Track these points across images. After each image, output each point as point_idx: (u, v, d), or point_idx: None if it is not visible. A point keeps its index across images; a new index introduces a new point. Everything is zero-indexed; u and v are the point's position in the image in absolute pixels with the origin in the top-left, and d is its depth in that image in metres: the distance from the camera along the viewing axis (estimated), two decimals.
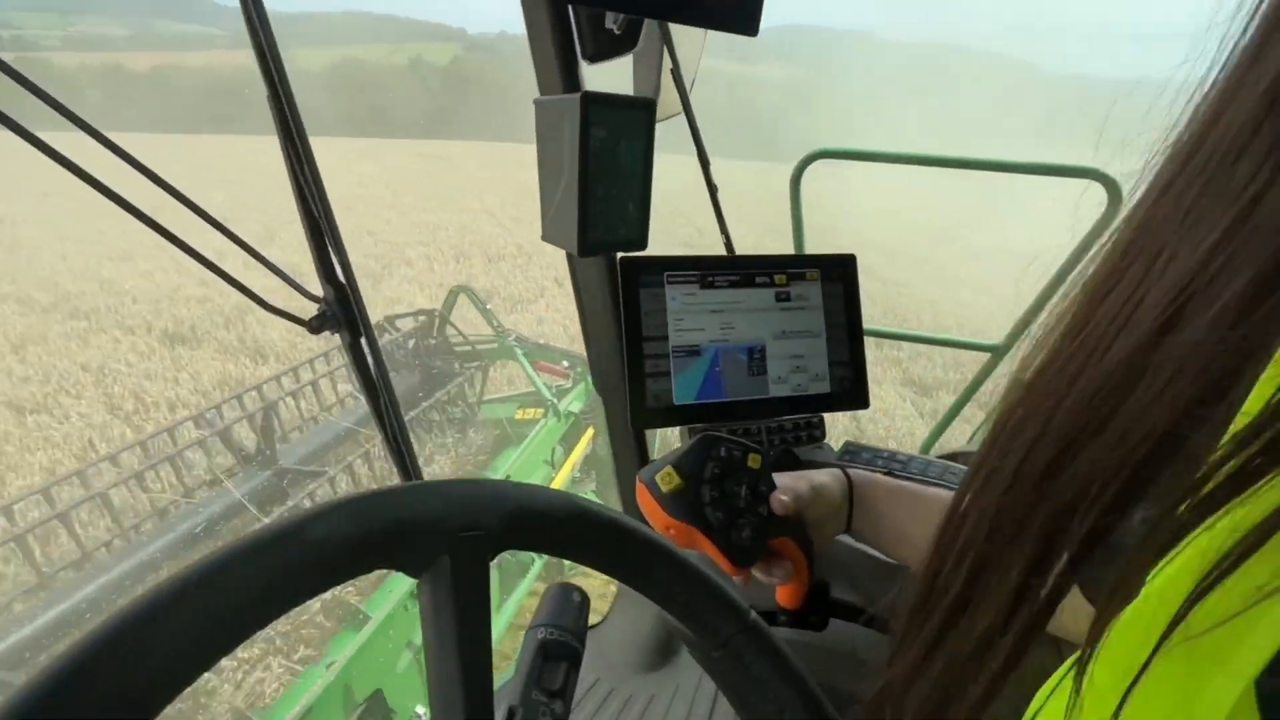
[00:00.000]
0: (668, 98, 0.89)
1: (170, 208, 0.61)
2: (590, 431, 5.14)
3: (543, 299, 11.01)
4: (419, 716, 3.15)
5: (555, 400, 5.12)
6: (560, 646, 0.36)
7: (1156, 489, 0.23)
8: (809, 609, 0.63)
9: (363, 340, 0.69)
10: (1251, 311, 0.20)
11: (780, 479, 0.60)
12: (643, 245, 0.74)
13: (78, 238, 13.56)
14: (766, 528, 0.57)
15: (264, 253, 0.65)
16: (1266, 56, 0.21)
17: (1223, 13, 0.23)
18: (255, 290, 0.65)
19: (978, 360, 1.61)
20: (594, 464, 5.16)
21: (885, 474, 0.68)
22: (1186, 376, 0.21)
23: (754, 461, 0.58)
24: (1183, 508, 0.21)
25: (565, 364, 5.78)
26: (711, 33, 0.98)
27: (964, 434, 2.21)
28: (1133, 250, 0.24)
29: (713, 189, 0.95)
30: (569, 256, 0.84)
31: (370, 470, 4.82)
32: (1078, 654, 0.25)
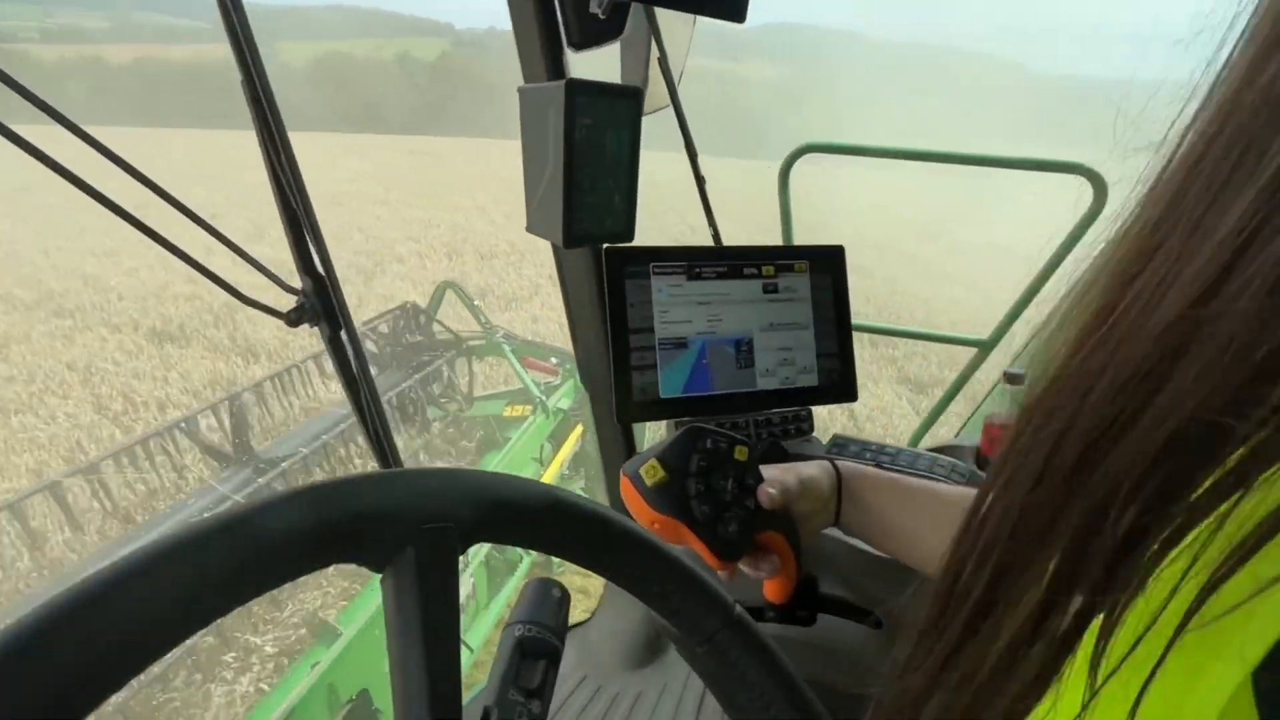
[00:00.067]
0: (656, 90, 0.88)
1: (155, 204, 0.60)
2: (579, 428, 5.12)
3: (537, 297, 10.97)
4: None
5: (544, 397, 5.09)
6: (538, 644, 0.35)
7: (1199, 487, 0.21)
8: (797, 604, 0.63)
9: (342, 333, 0.68)
10: None
11: (768, 471, 0.59)
12: (629, 237, 0.73)
13: (59, 233, 13.37)
14: (754, 521, 0.56)
15: (252, 250, 0.63)
16: None
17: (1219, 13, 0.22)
18: (242, 288, 0.63)
19: (971, 357, 1.62)
20: (583, 461, 5.15)
21: (874, 466, 0.67)
22: (1230, 354, 0.20)
23: (741, 454, 0.57)
24: (1196, 494, 0.20)
25: (554, 361, 5.76)
26: (699, 29, 0.98)
27: (952, 429, 2.23)
28: (1164, 226, 0.23)
29: (700, 181, 0.94)
30: (554, 248, 0.83)
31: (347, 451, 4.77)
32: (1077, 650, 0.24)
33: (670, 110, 0.92)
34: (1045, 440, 0.25)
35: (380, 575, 0.29)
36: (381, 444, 0.69)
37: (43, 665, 0.19)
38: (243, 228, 11.43)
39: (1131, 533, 0.22)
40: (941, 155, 1.48)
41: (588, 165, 0.67)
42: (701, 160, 0.97)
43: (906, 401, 8.14)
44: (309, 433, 5.05)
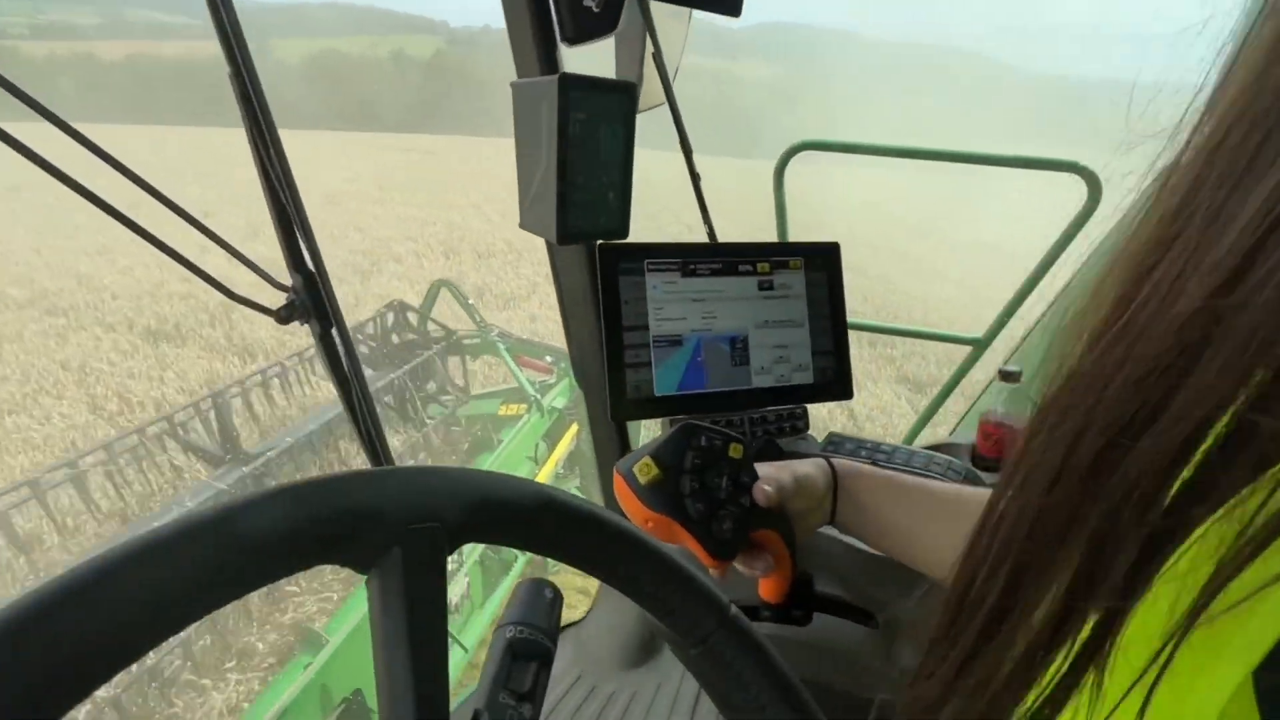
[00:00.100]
0: (650, 88, 0.87)
1: (148, 201, 0.59)
2: (574, 427, 5.12)
3: (535, 296, 10.96)
4: None
5: (539, 396, 5.09)
6: (530, 645, 0.34)
7: (1229, 487, 0.20)
8: (792, 603, 0.62)
9: (334, 330, 0.67)
10: None
11: (763, 469, 0.59)
12: (624, 234, 0.72)
13: (51, 231, 13.28)
14: (748, 520, 0.55)
15: (247, 248, 0.63)
16: None
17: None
18: (237, 287, 0.63)
19: (965, 355, 1.62)
20: (579, 460, 5.14)
21: (870, 464, 0.67)
22: (1253, 346, 0.19)
23: (735, 451, 0.56)
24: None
25: (549, 359, 5.75)
26: (694, 26, 0.97)
27: (949, 426, 2.23)
28: (1181, 216, 0.22)
29: (695, 177, 0.94)
30: (548, 245, 0.82)
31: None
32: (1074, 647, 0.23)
33: (666, 108, 0.91)
34: (1061, 439, 0.24)
35: (365, 577, 0.28)
36: (373, 442, 0.69)
37: (8, 668, 0.19)
38: (238, 226, 11.37)
39: (1155, 535, 0.21)
40: (936, 153, 1.48)
41: (581, 161, 0.66)
42: (696, 159, 0.96)
43: (906, 401, 8.16)
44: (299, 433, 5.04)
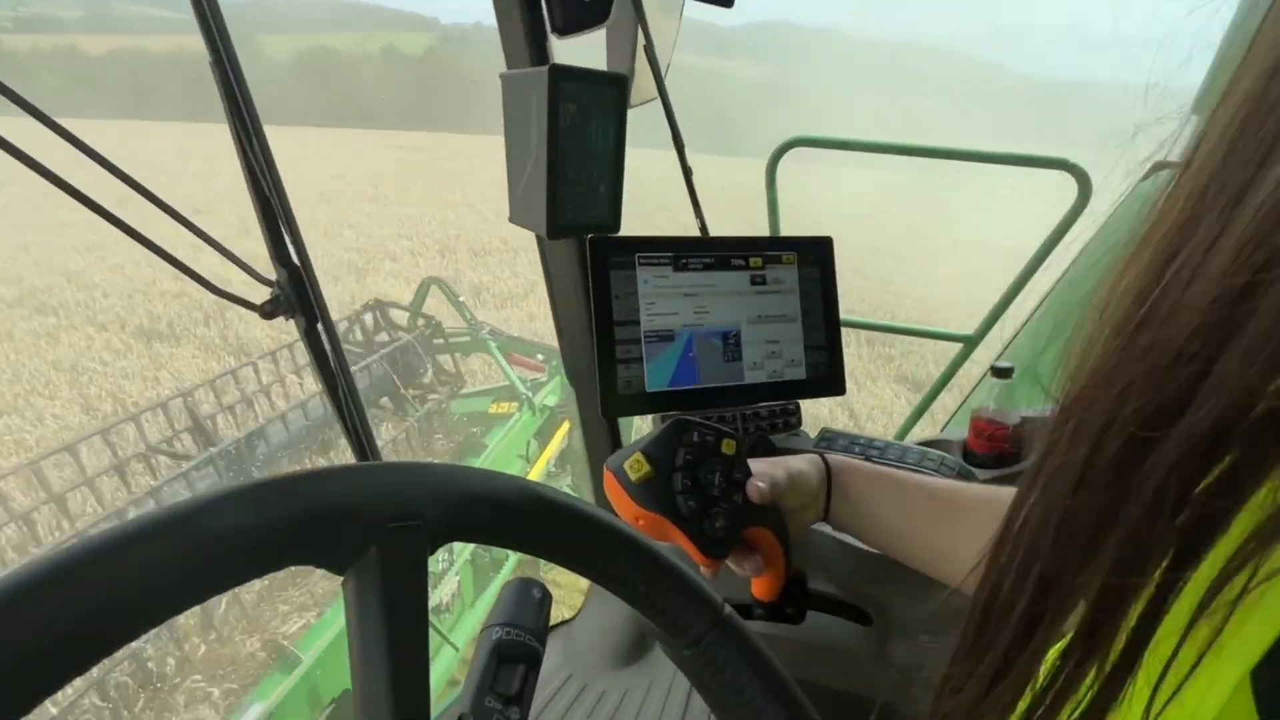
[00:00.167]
0: (642, 83, 0.86)
1: (136, 198, 0.58)
2: (566, 425, 5.10)
3: (533, 294, 10.89)
4: None
5: (530, 394, 5.06)
6: (517, 647, 0.33)
7: (1259, 478, 0.19)
8: (785, 601, 0.61)
9: (319, 325, 0.66)
10: None
11: (756, 465, 0.58)
12: (615, 228, 0.71)
13: (39, 228, 13.11)
14: (741, 517, 0.55)
15: (237, 246, 0.61)
16: None
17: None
18: (229, 285, 0.61)
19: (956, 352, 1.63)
20: (571, 458, 5.12)
21: (863, 460, 0.66)
22: None
23: (728, 447, 0.55)
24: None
25: (540, 357, 5.72)
26: (685, 23, 0.96)
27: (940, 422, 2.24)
28: (1205, 199, 0.21)
29: (687, 171, 0.93)
30: (538, 239, 0.81)
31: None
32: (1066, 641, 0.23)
33: (658, 105, 0.90)
34: (1084, 438, 0.23)
35: (342, 578, 0.27)
36: (360, 438, 0.68)
37: None
38: (229, 223, 11.26)
39: (1190, 534, 0.20)
40: (927, 150, 1.49)
41: (572, 154, 0.65)
42: (688, 157, 0.95)
43: (905, 400, 8.18)
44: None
